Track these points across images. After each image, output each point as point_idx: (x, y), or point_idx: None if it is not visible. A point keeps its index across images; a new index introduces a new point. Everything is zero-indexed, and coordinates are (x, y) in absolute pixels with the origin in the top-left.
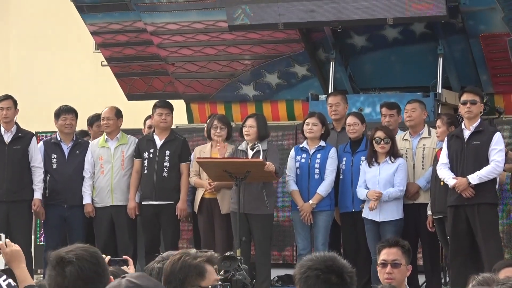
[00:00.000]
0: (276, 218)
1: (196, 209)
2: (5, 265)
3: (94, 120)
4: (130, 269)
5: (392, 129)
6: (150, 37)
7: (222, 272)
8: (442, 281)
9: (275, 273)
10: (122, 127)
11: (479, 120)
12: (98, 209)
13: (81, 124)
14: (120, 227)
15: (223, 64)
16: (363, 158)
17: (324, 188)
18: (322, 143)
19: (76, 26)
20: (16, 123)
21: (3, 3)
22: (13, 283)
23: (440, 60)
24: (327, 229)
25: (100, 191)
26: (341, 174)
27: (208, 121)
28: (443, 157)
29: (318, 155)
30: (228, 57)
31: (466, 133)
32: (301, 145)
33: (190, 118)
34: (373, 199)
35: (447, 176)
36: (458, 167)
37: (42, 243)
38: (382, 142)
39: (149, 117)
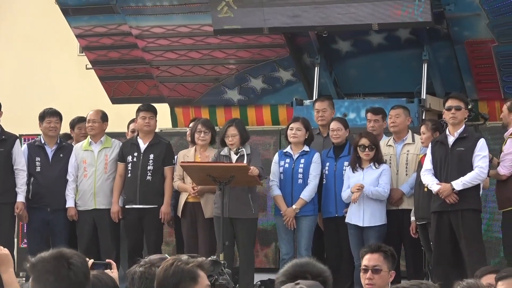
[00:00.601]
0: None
1: (179, 213)
2: None
3: (75, 122)
4: (113, 272)
5: (376, 135)
6: (135, 41)
7: None
8: None
9: (258, 277)
10: (106, 130)
11: (464, 126)
12: (81, 213)
13: (65, 128)
14: (103, 231)
15: (207, 68)
16: (346, 163)
17: (307, 193)
18: (306, 148)
19: (61, 29)
20: (0, 126)
21: None
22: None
23: (425, 66)
24: (310, 234)
25: (83, 195)
26: (324, 179)
27: (191, 125)
28: (427, 163)
29: (302, 160)
30: (213, 61)
31: (451, 139)
32: (284, 150)
33: (175, 122)
34: (355, 191)
35: (431, 182)
36: (442, 173)
37: (23, 246)
38: (366, 149)
39: (132, 120)
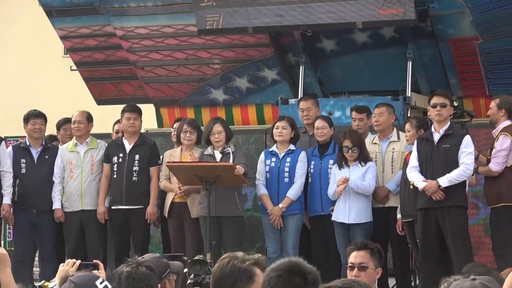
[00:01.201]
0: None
1: (166, 213)
2: None
3: (61, 123)
4: (101, 273)
5: (361, 133)
6: (119, 42)
7: (192, 276)
8: (412, 284)
9: None
10: (91, 131)
11: (449, 123)
12: (68, 214)
13: (50, 129)
14: (90, 232)
15: (192, 68)
16: (331, 161)
17: (294, 192)
18: (292, 147)
19: (45, 31)
20: None
21: None
22: (109, 286)
23: (410, 64)
24: (297, 233)
25: (69, 196)
26: (309, 178)
27: (177, 125)
28: (413, 160)
29: (288, 159)
30: (198, 61)
31: (436, 136)
32: (270, 149)
33: (160, 122)
34: (340, 183)
35: (416, 179)
36: (428, 170)
37: (9, 247)
38: (350, 151)
39: (117, 121)
